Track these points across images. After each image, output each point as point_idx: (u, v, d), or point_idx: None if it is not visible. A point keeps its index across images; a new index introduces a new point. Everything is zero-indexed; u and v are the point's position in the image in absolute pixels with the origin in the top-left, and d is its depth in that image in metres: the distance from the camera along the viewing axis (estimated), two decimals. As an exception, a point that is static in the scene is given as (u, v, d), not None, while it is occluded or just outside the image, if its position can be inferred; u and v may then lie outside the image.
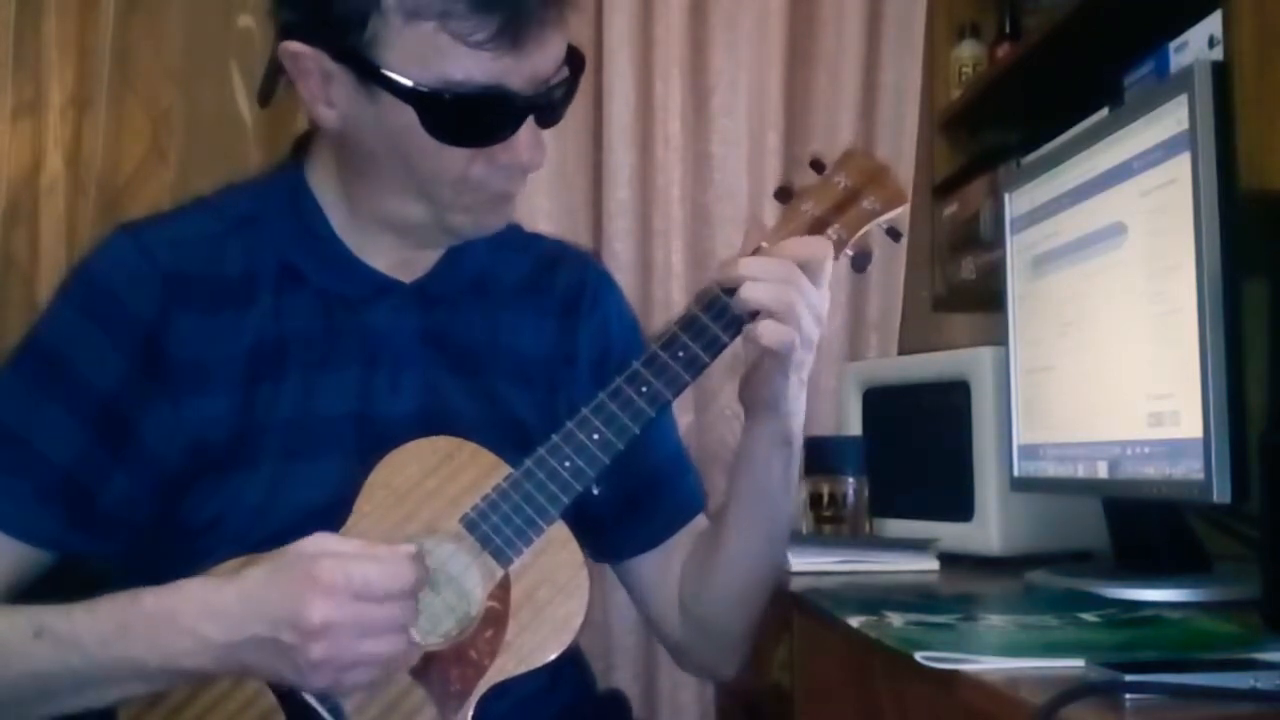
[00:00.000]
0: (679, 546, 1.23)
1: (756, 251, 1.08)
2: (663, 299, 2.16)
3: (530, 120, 1.02)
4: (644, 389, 1.05)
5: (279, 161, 1.19)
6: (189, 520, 1.05)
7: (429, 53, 0.96)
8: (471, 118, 1.00)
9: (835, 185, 1.13)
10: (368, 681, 0.95)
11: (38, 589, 1.05)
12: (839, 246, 1.12)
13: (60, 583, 1.06)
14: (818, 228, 1.11)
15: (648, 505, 1.21)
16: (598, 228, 2.22)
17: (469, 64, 0.96)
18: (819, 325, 1.07)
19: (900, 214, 1.16)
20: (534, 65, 0.99)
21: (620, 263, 2.14)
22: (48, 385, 1.06)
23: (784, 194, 1.14)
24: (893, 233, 1.18)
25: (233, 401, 1.06)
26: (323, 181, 1.12)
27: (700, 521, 1.24)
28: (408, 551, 0.96)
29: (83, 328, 1.06)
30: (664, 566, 1.24)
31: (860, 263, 1.14)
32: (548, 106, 1.03)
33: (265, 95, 1.08)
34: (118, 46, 2.22)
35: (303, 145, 1.15)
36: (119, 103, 2.23)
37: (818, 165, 1.15)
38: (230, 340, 1.08)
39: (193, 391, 1.06)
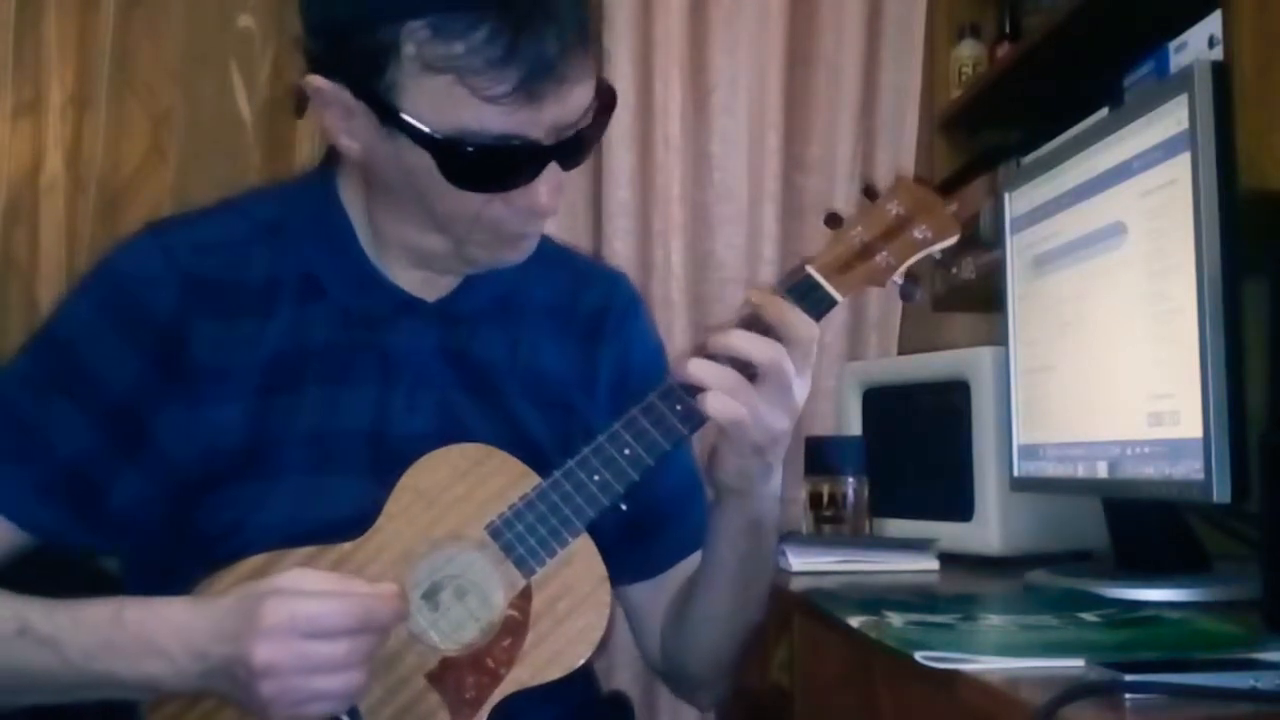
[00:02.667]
0: (672, 579, 1.23)
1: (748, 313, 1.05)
2: (663, 299, 2.17)
3: (552, 165, 1.01)
4: (678, 406, 1.04)
5: (313, 166, 1.18)
6: (205, 526, 1.05)
7: (445, 103, 0.95)
8: (488, 165, 0.99)
9: (886, 212, 1.11)
10: (332, 712, 0.95)
11: (39, 586, 1.05)
12: (886, 273, 1.10)
13: (61, 581, 1.06)
14: (866, 254, 1.10)
15: (650, 535, 1.20)
16: (598, 228, 2.22)
17: (485, 116, 0.95)
18: (785, 412, 1.04)
19: (951, 245, 1.13)
20: (554, 115, 0.98)
21: (620, 263, 2.14)
22: (60, 377, 1.06)
23: (834, 220, 1.13)
24: (905, 289, 1.14)
25: (248, 411, 1.06)
26: (352, 195, 1.12)
27: (698, 558, 1.21)
28: (386, 589, 0.96)
29: (99, 325, 1.07)
30: (654, 597, 1.24)
31: (908, 291, 1.12)
32: (570, 152, 1.02)
33: (299, 110, 1.08)
34: (118, 46, 2.22)
35: (336, 151, 1.14)
36: (119, 103, 2.23)
37: (870, 192, 1.14)
38: (249, 348, 1.07)
39: (208, 397, 1.06)
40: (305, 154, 2.20)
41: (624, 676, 2.09)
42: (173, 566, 1.02)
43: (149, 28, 2.25)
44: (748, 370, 1.02)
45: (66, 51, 2.22)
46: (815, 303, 1.07)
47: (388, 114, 0.97)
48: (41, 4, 2.20)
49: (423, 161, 0.98)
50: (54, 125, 2.20)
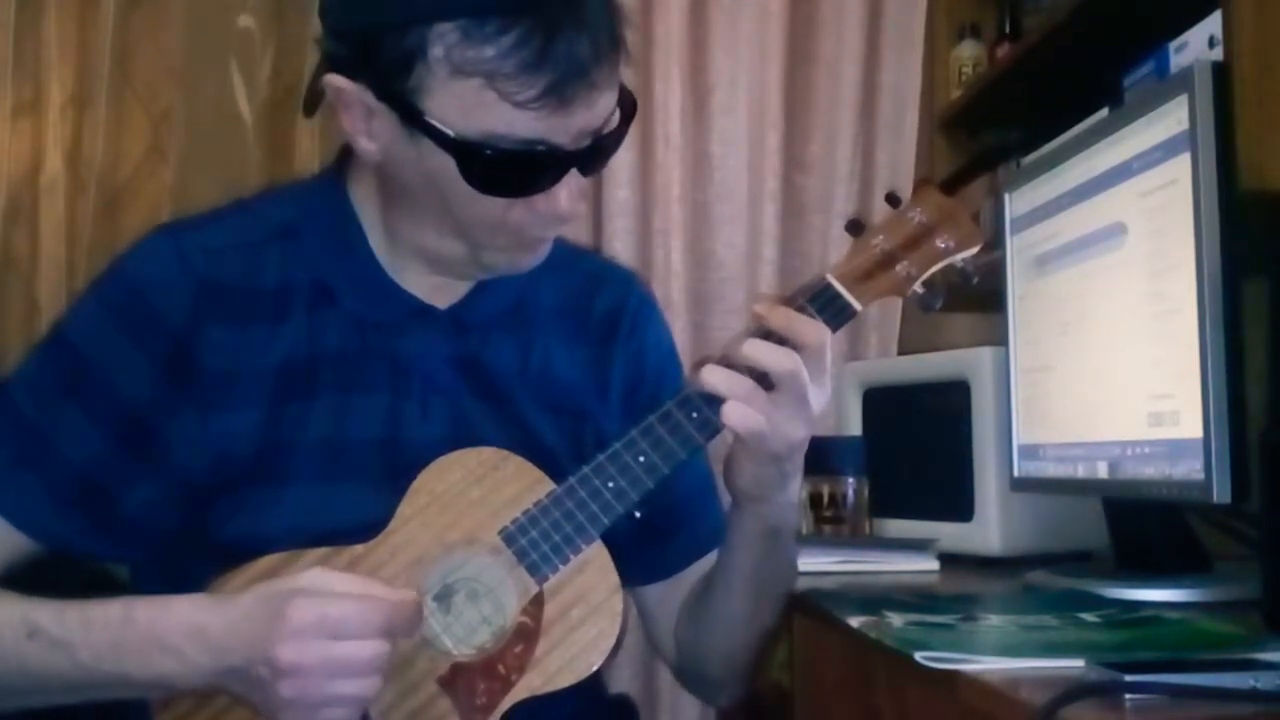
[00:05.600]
0: (688, 580, 1.23)
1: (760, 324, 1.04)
2: (663, 299, 2.16)
3: (573, 171, 1.01)
4: (694, 414, 1.04)
5: (326, 167, 1.17)
6: (217, 533, 1.04)
7: (473, 106, 0.95)
8: (512, 170, 0.98)
9: (909, 221, 1.11)
10: (345, 718, 0.94)
11: (38, 589, 1.05)
12: (907, 283, 1.10)
13: (62, 580, 1.06)
14: (887, 263, 1.09)
15: (665, 536, 1.20)
16: (598, 228, 2.22)
17: (513, 120, 0.95)
18: (802, 421, 1.03)
19: (973, 255, 1.12)
20: (581, 121, 0.98)
21: (620, 262, 2.14)
22: (71, 384, 1.05)
23: (855, 227, 1.12)
24: (925, 299, 1.13)
25: (260, 417, 1.06)
26: (364, 198, 1.11)
27: (714, 557, 1.20)
28: (407, 596, 0.96)
29: (111, 331, 1.06)
30: (669, 598, 1.23)
31: (928, 301, 1.11)
32: (592, 158, 1.02)
33: (309, 110, 1.07)
34: (118, 46, 2.22)
35: (348, 153, 1.13)
36: (119, 102, 2.23)
37: (893, 200, 1.13)
38: (261, 354, 1.07)
39: (220, 403, 1.05)
40: (305, 154, 2.20)
41: (624, 676, 2.09)
42: (183, 574, 1.02)
43: (149, 28, 2.25)
44: (764, 380, 1.01)
45: (66, 51, 2.22)
46: (835, 312, 1.07)
47: (412, 116, 0.97)
48: (41, 4, 2.20)
49: (446, 165, 0.98)
50: (54, 125, 2.20)
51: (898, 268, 1.09)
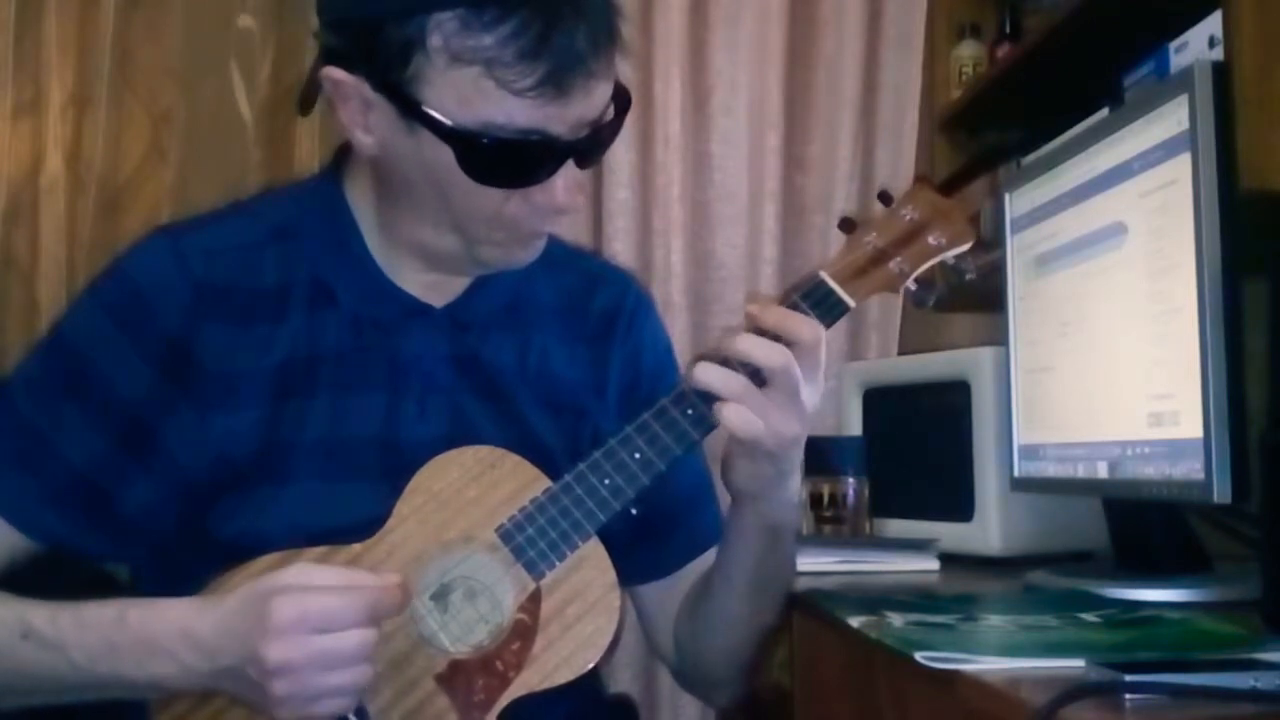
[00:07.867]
0: (685, 579, 1.23)
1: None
2: (663, 299, 2.17)
3: (569, 163, 1.02)
4: (689, 411, 1.04)
5: (323, 167, 1.18)
6: (216, 533, 1.05)
7: (471, 95, 0.95)
8: (510, 160, 0.99)
9: (901, 218, 1.11)
10: (341, 710, 0.95)
11: (38, 589, 1.05)
12: (900, 280, 1.11)
13: (62, 580, 1.07)
14: (879, 260, 1.10)
15: (661, 535, 1.20)
16: (598, 228, 2.22)
17: (511, 108, 0.96)
18: (795, 417, 1.03)
19: (964, 251, 1.13)
20: (578, 111, 0.98)
21: (620, 263, 2.14)
22: (70, 385, 1.06)
23: (848, 224, 1.13)
24: (918, 295, 1.14)
25: (260, 417, 1.06)
26: (360, 197, 1.11)
27: (711, 556, 1.20)
28: (390, 581, 0.96)
29: (109, 332, 1.06)
30: (667, 597, 1.24)
31: (921, 297, 1.13)
32: (589, 149, 1.03)
33: (305, 106, 1.07)
34: (118, 46, 2.22)
35: (345, 153, 1.14)
36: (119, 103, 2.23)
37: (885, 197, 1.13)
38: (260, 354, 1.07)
39: (219, 404, 1.06)
40: (305, 153, 2.21)
41: (624, 676, 2.09)
42: (183, 573, 1.02)
43: (149, 28, 2.25)
44: (757, 376, 1.02)
45: (66, 51, 2.22)
46: (829, 309, 1.07)
47: (410, 107, 0.97)
48: (41, 4, 2.20)
49: (443, 156, 0.98)
50: (54, 125, 2.20)
51: (890, 264, 1.10)
